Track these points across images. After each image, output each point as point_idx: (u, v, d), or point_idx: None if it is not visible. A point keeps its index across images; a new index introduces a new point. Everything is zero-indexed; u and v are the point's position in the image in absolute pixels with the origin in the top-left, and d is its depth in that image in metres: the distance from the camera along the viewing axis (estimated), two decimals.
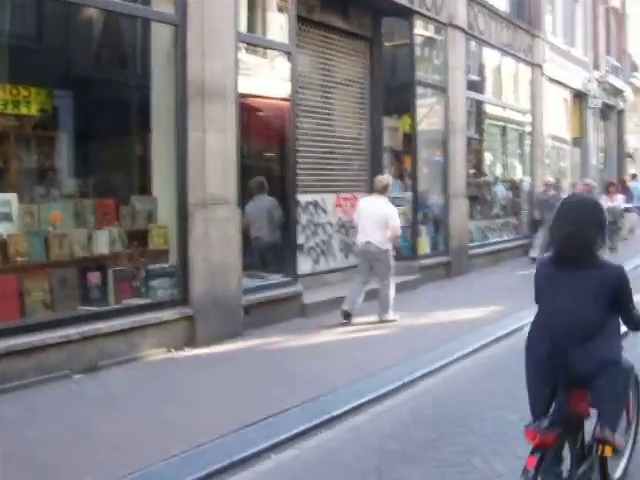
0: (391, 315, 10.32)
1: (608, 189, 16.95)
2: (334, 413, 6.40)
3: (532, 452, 3.86)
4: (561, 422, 4.06)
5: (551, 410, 4.15)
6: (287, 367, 7.94)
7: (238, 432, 5.84)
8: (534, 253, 16.41)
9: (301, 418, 6.24)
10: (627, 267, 14.34)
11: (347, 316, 10.14)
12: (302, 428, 6.01)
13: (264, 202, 10.89)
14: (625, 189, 23.48)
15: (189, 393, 6.99)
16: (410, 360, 8.18)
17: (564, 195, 17.20)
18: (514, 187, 19.73)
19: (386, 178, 11.19)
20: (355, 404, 6.66)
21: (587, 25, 26.07)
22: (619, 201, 16.28)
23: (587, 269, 4.13)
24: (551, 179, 18.25)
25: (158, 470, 5.11)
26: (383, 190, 10.51)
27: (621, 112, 30.81)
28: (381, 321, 10.29)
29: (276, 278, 10.58)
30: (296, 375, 7.59)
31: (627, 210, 21.74)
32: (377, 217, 10.18)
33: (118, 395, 6.85)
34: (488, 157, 19.20)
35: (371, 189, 13.57)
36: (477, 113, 18.29)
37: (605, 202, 15.62)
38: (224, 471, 5.22)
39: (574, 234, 4.16)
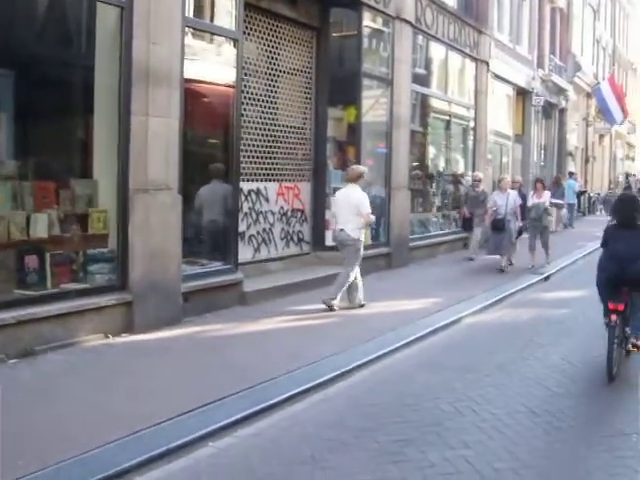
0: (337, 302, 10.48)
1: (535, 186, 16.65)
2: (272, 401, 6.44)
3: (612, 313, 7.49)
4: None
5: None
6: (226, 355, 7.95)
7: (175, 419, 5.83)
8: (471, 254, 16.70)
9: (239, 406, 6.25)
10: (553, 269, 14.52)
11: (330, 308, 10.44)
12: (240, 416, 6.04)
13: (221, 188, 10.90)
14: (558, 186, 24.32)
15: (126, 379, 6.94)
16: (348, 350, 8.25)
17: (489, 191, 17.41)
18: (456, 181, 19.96)
19: (361, 167, 11.48)
20: (293, 392, 6.71)
21: (533, 24, 26.48)
22: (545, 198, 15.94)
23: (632, 229, 7.84)
24: (480, 174, 18.17)
25: (95, 456, 5.07)
26: (357, 178, 10.76)
27: (563, 111, 31.38)
28: (329, 306, 10.44)
29: (216, 265, 10.54)
30: (234, 363, 7.60)
31: (557, 206, 23.46)
32: (350, 205, 10.51)
33: (54, 381, 6.78)
34: (432, 150, 19.37)
35: (315, 178, 13.73)
36: (422, 106, 18.42)
37: (531, 199, 16.05)
38: (161, 458, 5.21)
39: (626, 211, 8.06)
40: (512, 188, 16.05)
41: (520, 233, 15.91)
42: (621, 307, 7.56)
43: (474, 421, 6.20)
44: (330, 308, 10.39)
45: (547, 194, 16.27)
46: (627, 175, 33.33)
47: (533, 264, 15.57)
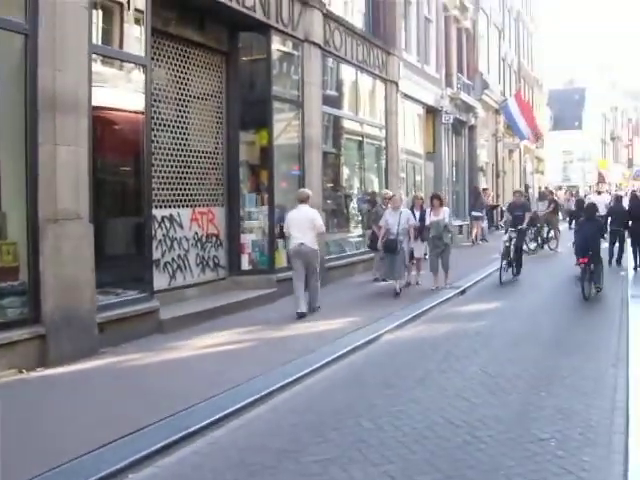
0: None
1: (432, 202, 15.37)
2: (192, 428, 6.37)
3: (582, 263, 13.83)
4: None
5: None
6: (144, 384, 7.84)
7: (94, 452, 5.71)
8: (374, 274, 16.15)
9: (159, 435, 6.17)
10: (468, 282, 14.72)
11: (302, 316, 11.70)
12: (160, 445, 5.95)
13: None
14: (476, 198, 28.18)
15: (42, 415, 6.78)
16: (268, 373, 8.24)
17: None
18: (371, 200, 20.13)
19: (307, 190, 13.11)
20: (213, 419, 6.66)
21: (440, 44, 27.05)
22: (443, 214, 14.92)
23: (592, 221, 14.64)
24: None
25: None
26: (307, 199, 12.43)
27: (473, 127, 32.09)
28: (313, 309, 12.13)
29: (132, 294, 10.38)
30: (153, 392, 7.50)
31: (476, 218, 27.22)
32: (306, 220, 12.07)
33: None
34: (345, 171, 19.53)
35: (229, 203, 13.71)
36: (334, 128, 18.61)
37: (428, 217, 15.09)
38: None
39: (588, 212, 15.43)
40: (413, 206, 16.27)
41: (412, 255, 15.20)
42: (585, 260, 13.75)
43: (395, 436, 6.27)
44: (303, 316, 11.73)
45: (445, 210, 15.31)
46: (526, 187, 34.34)
47: (437, 285, 14.84)
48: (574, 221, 21.47)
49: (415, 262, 15.64)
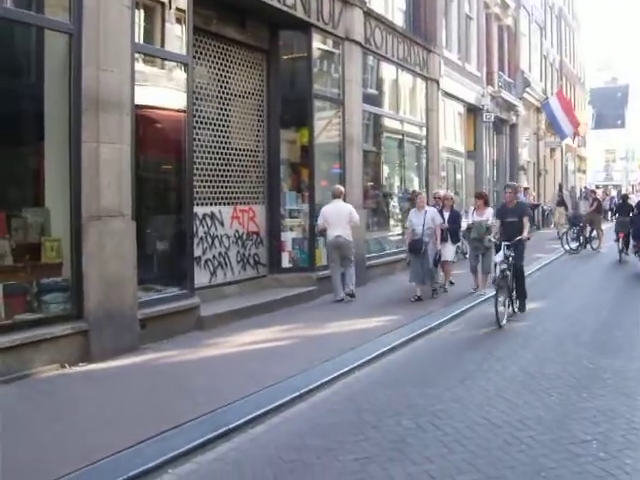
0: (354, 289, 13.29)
1: (476, 201, 14.73)
2: (231, 425, 6.39)
3: (620, 237, 20.58)
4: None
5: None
6: (184, 381, 7.88)
7: (134, 448, 5.75)
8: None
9: (198, 431, 6.20)
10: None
11: (351, 295, 13.26)
12: (199, 441, 5.98)
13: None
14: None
15: (83, 409, 6.85)
16: (307, 371, 8.24)
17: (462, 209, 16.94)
18: (412, 199, 20.01)
19: (341, 187, 13.92)
20: (252, 415, 6.67)
21: (481, 42, 26.90)
22: (487, 215, 13.88)
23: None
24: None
25: None
26: (341, 195, 13.43)
27: (514, 126, 31.85)
28: (350, 295, 13.23)
29: (173, 291, 10.47)
30: (193, 389, 7.53)
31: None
32: (342, 215, 13.06)
33: (7, 414, 6.63)
34: (386, 169, 19.49)
35: (270, 201, 13.75)
36: (375, 126, 18.58)
37: (471, 216, 14.64)
38: None
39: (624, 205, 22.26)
40: (440, 205, 15.11)
41: (438, 259, 13.85)
42: (622, 235, 19.64)
43: (436, 436, 6.22)
44: (352, 296, 13.20)
45: (489, 211, 14.10)
46: (560, 187, 34.03)
47: (476, 286, 14.25)
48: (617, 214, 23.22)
49: (442, 266, 14.56)
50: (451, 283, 15.12)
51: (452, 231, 14.76)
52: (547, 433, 6.25)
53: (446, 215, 14.87)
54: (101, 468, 5.38)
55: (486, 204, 14.56)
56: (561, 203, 29.13)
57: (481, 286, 14.23)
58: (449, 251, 14.84)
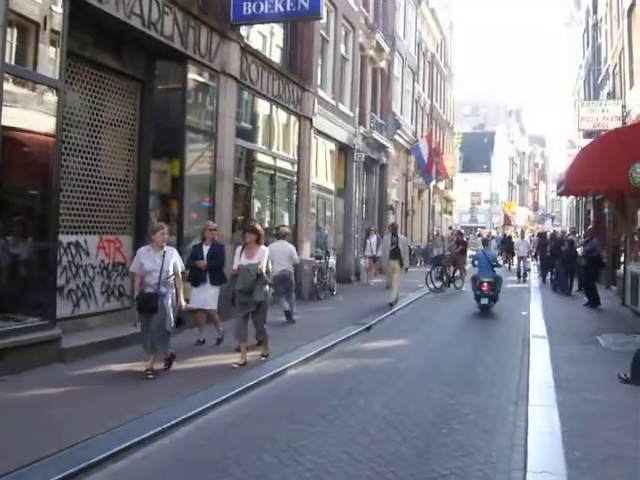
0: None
1: (244, 237, 11.42)
2: (92, 460, 6.23)
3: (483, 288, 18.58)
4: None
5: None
6: (44, 415, 7.61)
7: None
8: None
9: (58, 466, 6.01)
10: (374, 319, 14.80)
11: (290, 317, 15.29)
12: (58, 477, 5.80)
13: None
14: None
15: None
16: (171, 405, 8.14)
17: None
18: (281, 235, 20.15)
19: (287, 228, 16.89)
20: (114, 450, 6.53)
21: (355, 83, 27.51)
22: (259, 257, 10.72)
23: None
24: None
25: None
26: (285, 236, 15.55)
27: (384, 166, 32.63)
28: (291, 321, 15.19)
29: (33, 321, 10.09)
30: (53, 423, 7.29)
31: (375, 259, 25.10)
32: (285, 253, 14.93)
33: None
34: (257, 204, 19.57)
35: (137, 232, 13.48)
36: (247, 160, 18.62)
37: (237, 258, 11.01)
38: None
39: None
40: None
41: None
42: (486, 287, 18.41)
43: (297, 471, 6.28)
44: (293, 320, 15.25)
45: (263, 251, 10.99)
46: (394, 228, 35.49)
47: (244, 361, 10.63)
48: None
49: (198, 316, 12.52)
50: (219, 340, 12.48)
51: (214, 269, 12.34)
52: (407, 468, 6.41)
53: (205, 249, 12.40)
54: None
55: (258, 242, 11.00)
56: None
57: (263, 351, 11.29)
58: (212, 297, 12.40)
